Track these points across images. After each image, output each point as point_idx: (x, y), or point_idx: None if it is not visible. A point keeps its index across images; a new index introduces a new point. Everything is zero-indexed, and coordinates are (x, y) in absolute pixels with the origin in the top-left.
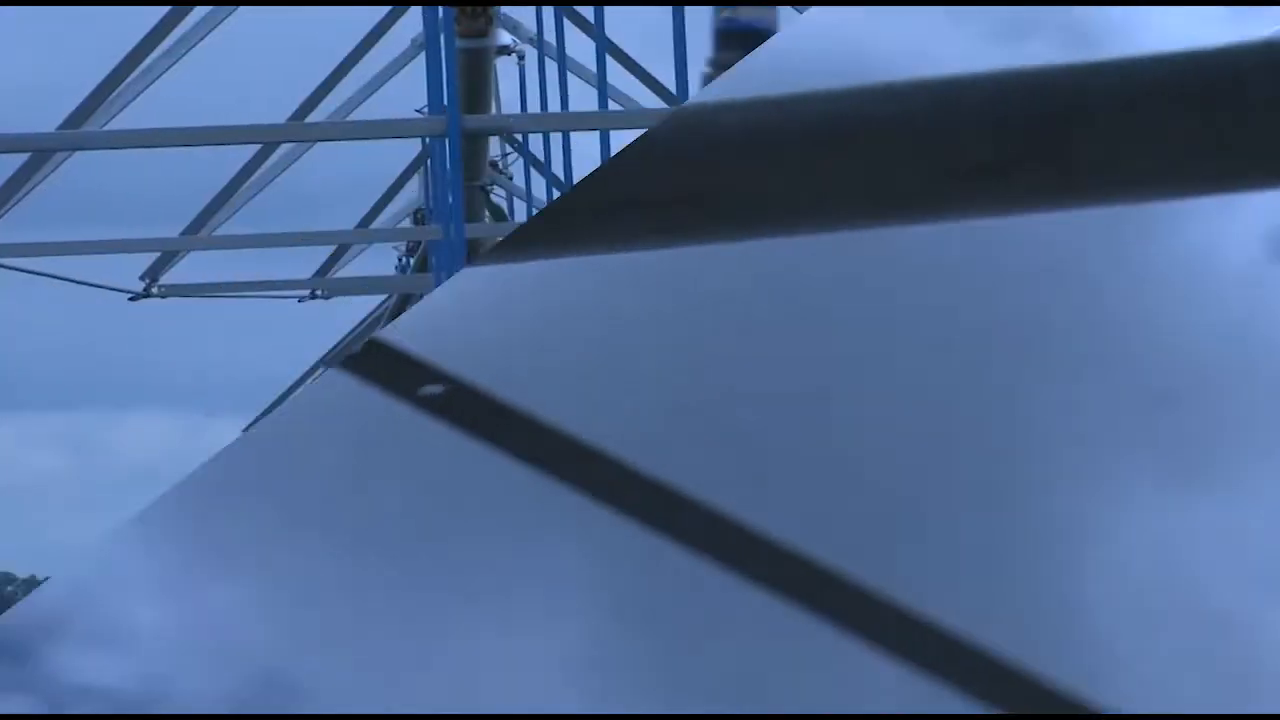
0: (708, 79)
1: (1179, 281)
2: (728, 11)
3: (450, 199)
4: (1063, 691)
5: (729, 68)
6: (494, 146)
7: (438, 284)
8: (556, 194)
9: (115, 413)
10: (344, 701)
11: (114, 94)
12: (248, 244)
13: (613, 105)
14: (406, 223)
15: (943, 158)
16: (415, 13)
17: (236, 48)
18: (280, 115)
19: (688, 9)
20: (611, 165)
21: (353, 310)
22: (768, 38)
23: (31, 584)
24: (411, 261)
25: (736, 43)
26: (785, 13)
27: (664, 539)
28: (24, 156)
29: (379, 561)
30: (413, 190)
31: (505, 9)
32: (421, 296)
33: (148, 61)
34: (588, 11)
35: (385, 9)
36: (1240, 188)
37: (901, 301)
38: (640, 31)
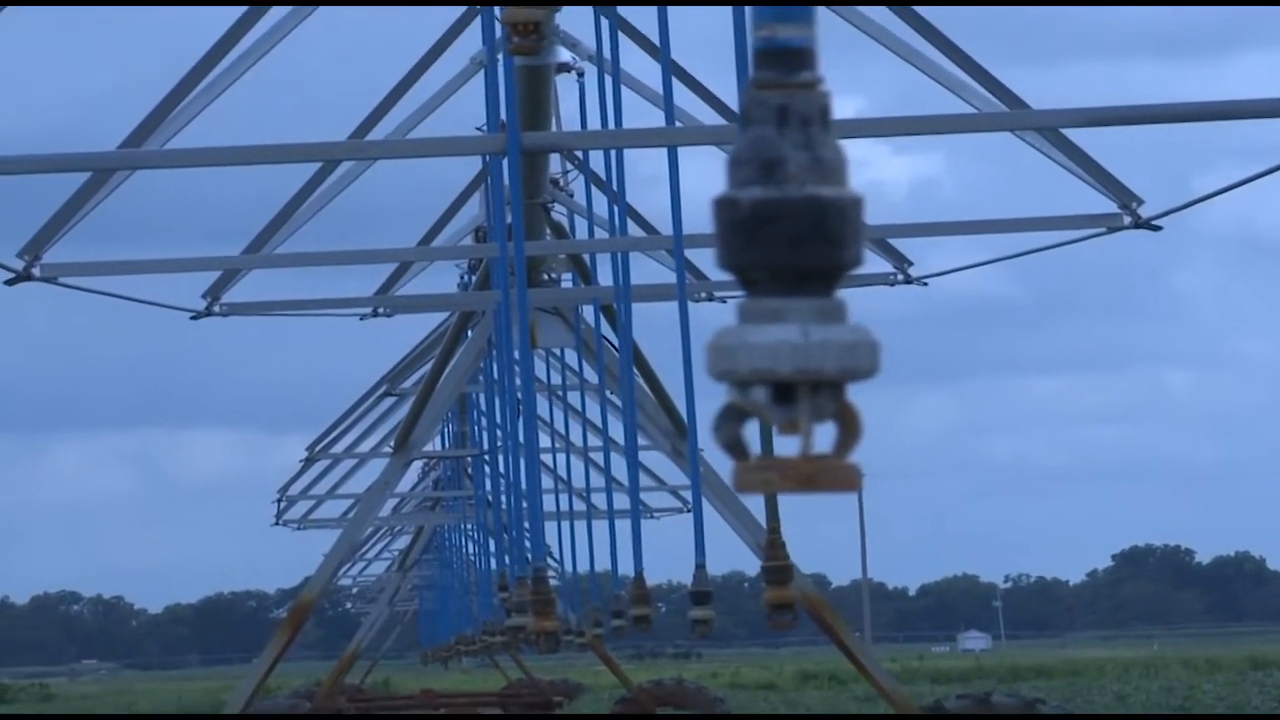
0: (747, 99)
1: None
2: (766, 30)
3: (510, 216)
4: None
5: (769, 87)
6: (554, 163)
7: (500, 301)
8: (617, 211)
9: (178, 431)
10: None
11: (175, 111)
12: (309, 262)
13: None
14: (468, 240)
15: None
16: (474, 31)
17: (297, 66)
18: (341, 133)
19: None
20: None
21: (415, 327)
22: (808, 57)
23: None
24: (473, 279)
25: (775, 61)
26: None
27: None
28: (85, 175)
29: None
30: (474, 207)
31: (564, 28)
32: (484, 314)
33: (209, 79)
34: (650, 29)
35: (444, 28)
36: None
37: None
38: (701, 48)
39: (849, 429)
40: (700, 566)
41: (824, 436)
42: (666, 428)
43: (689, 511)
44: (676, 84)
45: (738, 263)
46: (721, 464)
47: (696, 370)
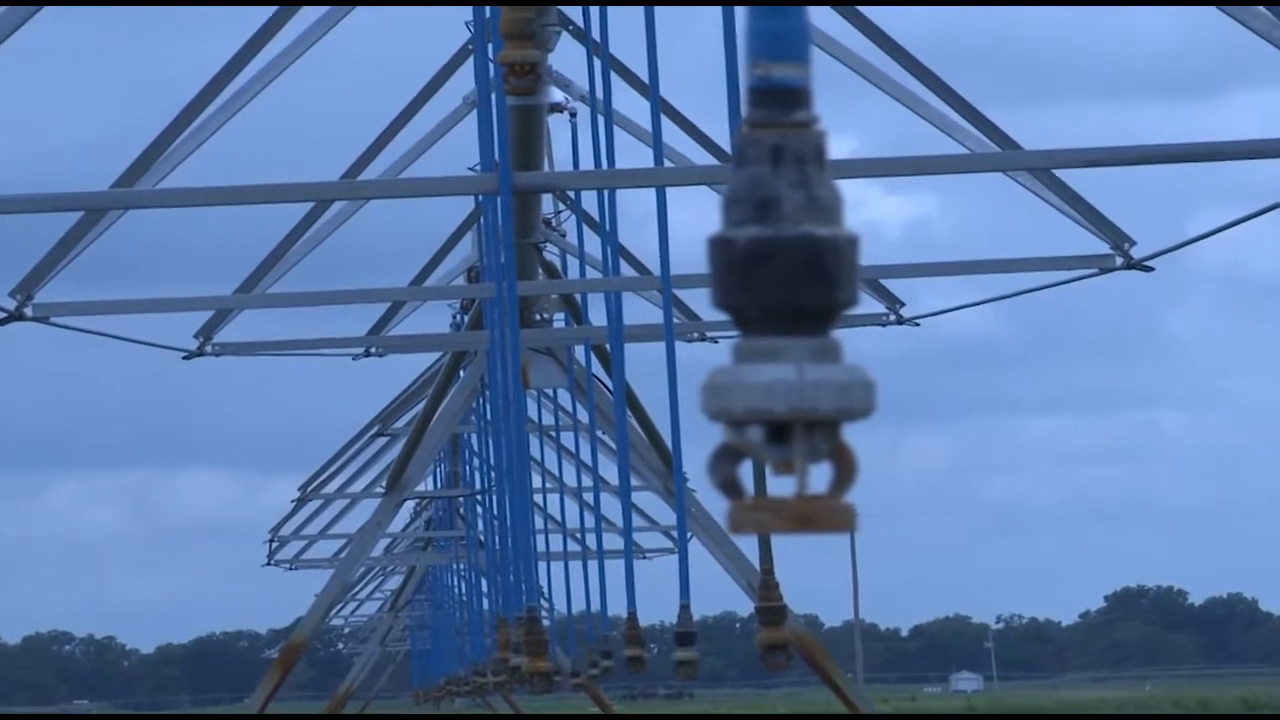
0: (742, 138)
1: None
2: (761, 69)
3: (503, 256)
4: None
5: (764, 126)
6: (547, 203)
7: (492, 341)
8: (610, 250)
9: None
10: None
11: (167, 151)
12: (301, 302)
13: (665, 162)
14: (460, 280)
15: None
16: (467, 71)
17: (288, 106)
18: (333, 173)
19: (741, 66)
20: None
21: (407, 367)
22: (803, 96)
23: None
24: (465, 318)
25: (770, 100)
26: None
27: None
28: (77, 215)
29: None
30: (466, 247)
31: (557, 69)
32: (476, 354)
33: (201, 119)
34: (641, 69)
35: (437, 68)
36: None
37: None
38: (692, 89)
39: (844, 469)
40: (685, 607)
41: (819, 477)
42: (658, 468)
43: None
44: (668, 124)
45: (733, 302)
46: (714, 503)
47: (683, 409)
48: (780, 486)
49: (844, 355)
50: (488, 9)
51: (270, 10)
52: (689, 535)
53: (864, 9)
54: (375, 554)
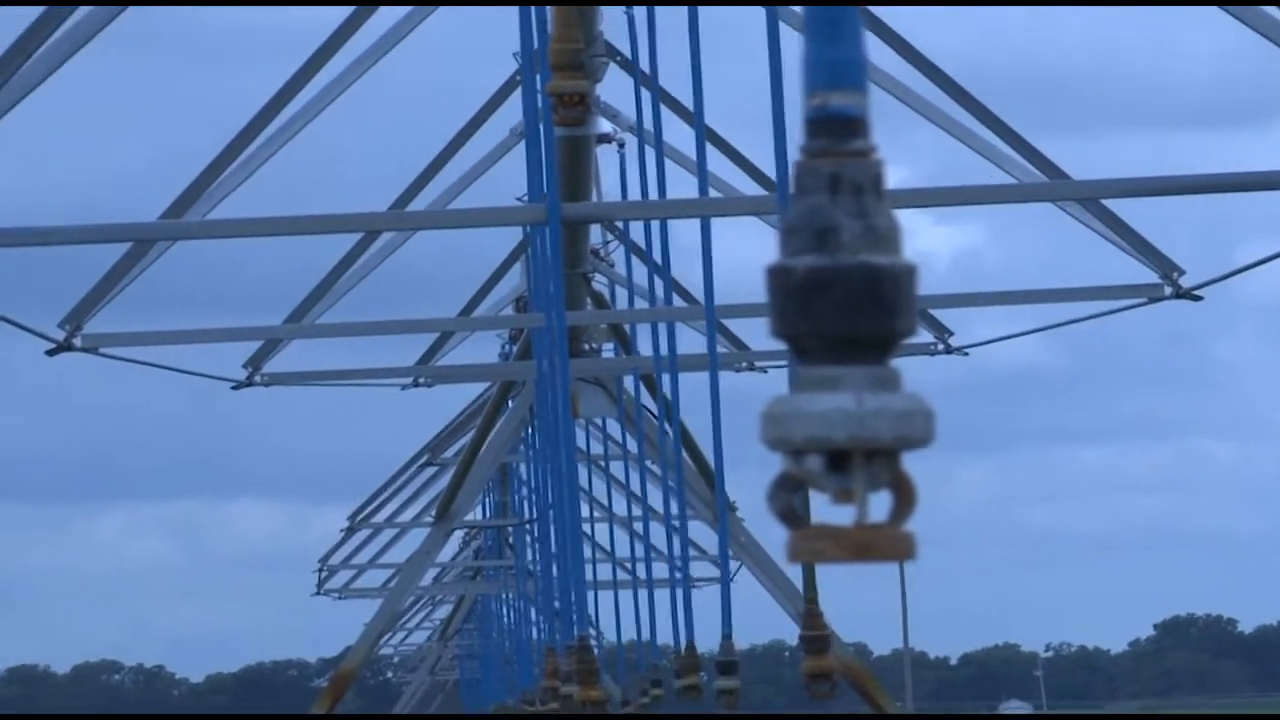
0: (799, 168)
1: None
2: (818, 98)
3: (551, 286)
4: None
5: (822, 156)
6: (595, 233)
7: (541, 371)
8: (658, 281)
9: (219, 501)
10: None
11: (215, 182)
12: (350, 332)
13: (712, 192)
14: (508, 310)
15: None
16: (515, 102)
17: (337, 137)
18: (381, 203)
19: (788, 94)
20: None
21: (456, 397)
22: (860, 125)
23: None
24: (514, 348)
25: (827, 130)
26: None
27: None
28: (126, 245)
29: None
30: (514, 277)
31: (605, 99)
32: (525, 384)
33: (250, 149)
34: (686, 98)
35: (485, 98)
36: None
37: None
38: (740, 118)
39: (904, 498)
40: (727, 636)
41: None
42: (707, 496)
43: (731, 581)
44: (716, 154)
45: (791, 331)
46: (762, 532)
47: (726, 438)
48: (830, 513)
49: (903, 384)
50: (535, 40)
51: (319, 41)
52: (737, 563)
53: (911, 39)
54: (424, 583)
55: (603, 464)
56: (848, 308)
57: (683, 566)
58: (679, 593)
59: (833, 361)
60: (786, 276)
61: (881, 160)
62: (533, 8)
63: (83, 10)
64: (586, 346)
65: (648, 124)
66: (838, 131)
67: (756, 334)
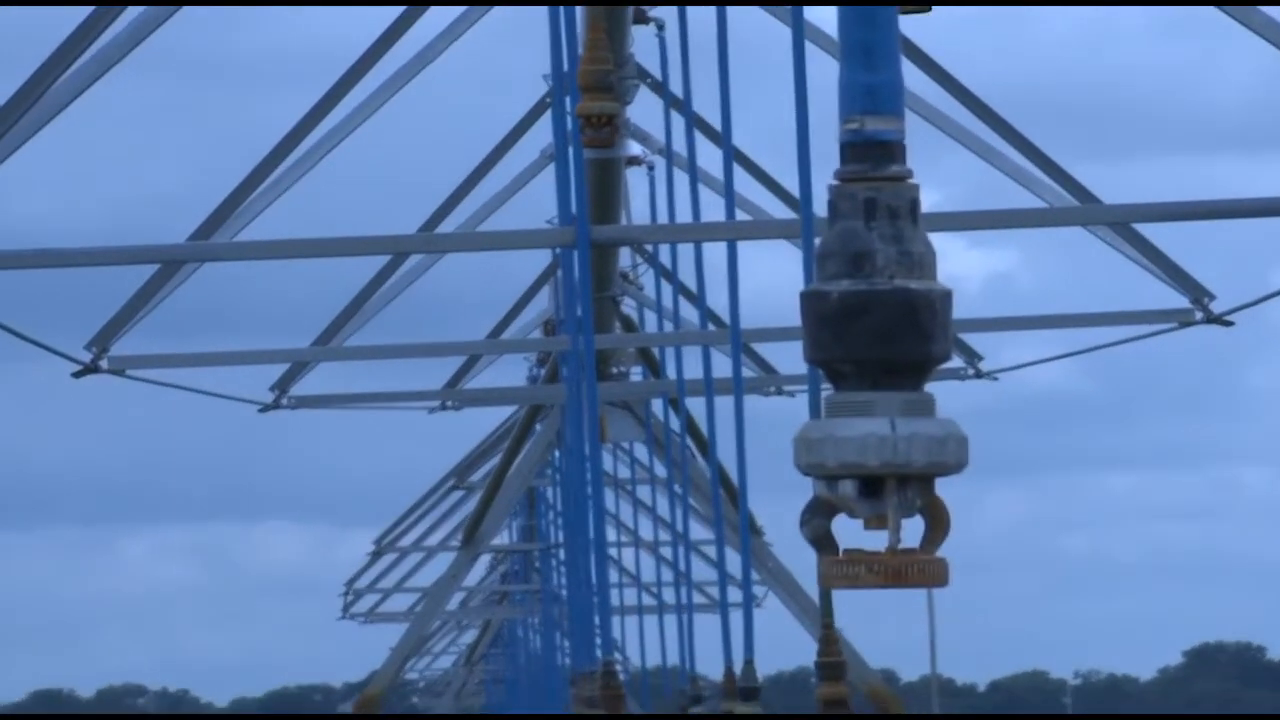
0: (834, 192)
1: None
2: (854, 123)
3: (580, 310)
4: None
5: (857, 180)
6: (624, 256)
7: (569, 395)
8: (685, 304)
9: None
10: None
11: (244, 204)
12: (378, 355)
13: (741, 215)
14: (537, 333)
15: None
16: (545, 124)
17: (366, 160)
18: (410, 226)
19: (814, 117)
20: None
21: (483, 420)
22: (896, 150)
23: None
24: (542, 371)
25: (863, 154)
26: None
27: None
28: (153, 267)
29: None
30: (543, 301)
31: (635, 121)
32: (552, 408)
33: (278, 172)
34: (715, 120)
35: (515, 120)
36: None
37: None
38: (769, 141)
39: (937, 523)
40: (749, 661)
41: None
42: (735, 521)
43: (759, 606)
44: (746, 177)
45: (826, 356)
46: (790, 557)
47: (751, 462)
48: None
49: (937, 409)
50: (565, 62)
51: (350, 64)
52: (763, 589)
53: (943, 63)
54: (451, 607)
55: (629, 488)
56: (883, 333)
57: (720, 589)
58: (715, 617)
59: (867, 386)
60: (821, 301)
61: (917, 185)
62: (563, 31)
63: (113, 30)
64: (615, 370)
65: (677, 146)
66: (874, 156)
67: (785, 357)
